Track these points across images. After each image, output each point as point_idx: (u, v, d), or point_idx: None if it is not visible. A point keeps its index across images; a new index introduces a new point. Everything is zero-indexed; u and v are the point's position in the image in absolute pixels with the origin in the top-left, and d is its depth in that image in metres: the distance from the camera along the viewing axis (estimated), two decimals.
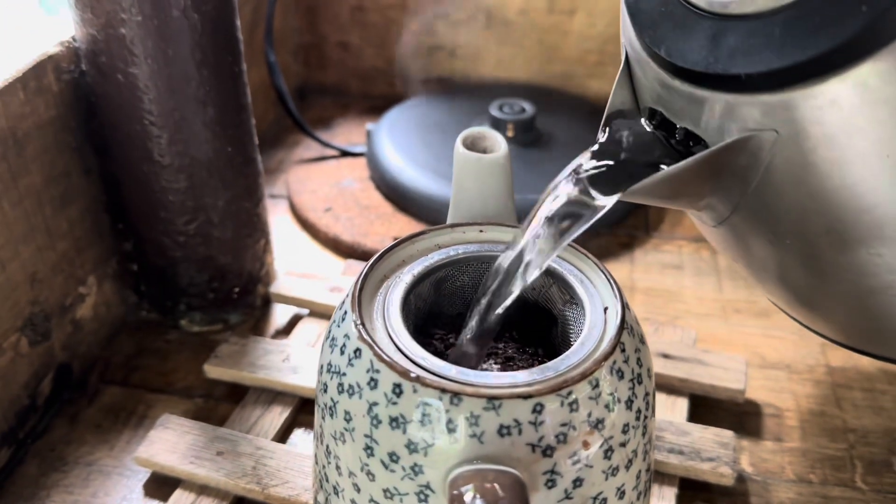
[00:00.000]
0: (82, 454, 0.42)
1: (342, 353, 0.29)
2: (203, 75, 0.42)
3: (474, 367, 0.32)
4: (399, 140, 0.64)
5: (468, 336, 0.32)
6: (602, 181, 0.29)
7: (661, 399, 0.44)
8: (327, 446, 0.30)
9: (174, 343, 0.50)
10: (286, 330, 0.51)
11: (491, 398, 0.26)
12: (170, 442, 0.40)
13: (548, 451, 0.26)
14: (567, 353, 0.28)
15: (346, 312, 0.30)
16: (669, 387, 0.44)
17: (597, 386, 0.27)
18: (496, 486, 0.24)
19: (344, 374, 0.29)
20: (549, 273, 0.33)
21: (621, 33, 0.33)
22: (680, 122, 0.29)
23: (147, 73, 0.41)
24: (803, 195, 0.26)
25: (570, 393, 0.26)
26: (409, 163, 0.61)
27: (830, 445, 0.43)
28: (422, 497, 0.27)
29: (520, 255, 0.30)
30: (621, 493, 0.29)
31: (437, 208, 0.58)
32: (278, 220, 0.62)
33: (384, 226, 0.59)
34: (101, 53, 0.41)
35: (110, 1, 0.39)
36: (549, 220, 0.29)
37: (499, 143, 0.36)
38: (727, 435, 0.41)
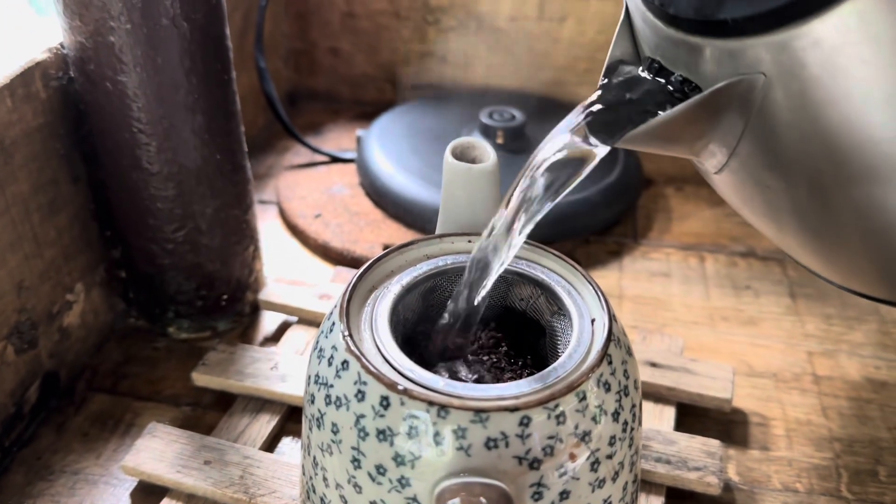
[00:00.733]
0: (69, 462, 0.42)
1: (330, 364, 0.29)
2: (192, 83, 0.42)
3: (460, 357, 0.32)
4: (389, 146, 0.64)
5: (452, 323, 0.32)
6: (601, 128, 0.30)
7: (649, 408, 0.44)
8: (314, 457, 0.30)
9: (162, 351, 0.50)
10: (275, 337, 0.51)
11: (478, 411, 0.26)
12: (157, 450, 0.40)
13: (535, 464, 0.26)
14: (554, 365, 0.28)
15: (334, 323, 0.30)
16: (657, 395, 0.44)
17: (584, 398, 0.27)
18: (483, 499, 0.24)
19: (331, 386, 0.29)
20: (538, 284, 0.33)
21: None
22: (676, 70, 0.29)
23: (136, 81, 0.41)
24: (795, 137, 0.27)
25: (557, 405, 0.27)
26: (399, 169, 0.61)
27: (816, 454, 0.44)
28: None
29: (509, 219, 0.30)
30: None
31: (426, 215, 0.58)
32: (268, 225, 0.62)
33: (374, 232, 0.59)
34: (89, 61, 0.41)
35: (99, 9, 0.39)
36: (546, 170, 0.30)
37: (488, 153, 0.36)
38: (714, 444, 0.41)
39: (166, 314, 0.49)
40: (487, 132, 0.63)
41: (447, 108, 0.70)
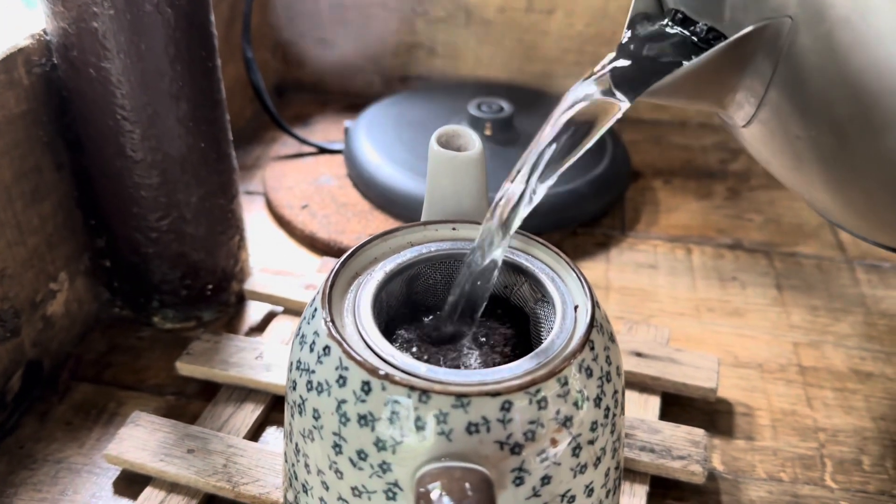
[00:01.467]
0: (51, 452, 0.42)
1: (311, 350, 0.29)
2: (176, 70, 0.42)
3: (457, 343, 0.32)
4: (377, 138, 0.64)
5: (455, 308, 0.32)
6: (625, 81, 0.29)
7: (634, 397, 0.44)
8: (296, 444, 0.30)
9: (147, 340, 0.49)
10: (260, 327, 0.50)
11: (459, 396, 0.26)
12: (140, 439, 0.40)
13: (516, 449, 0.26)
14: (536, 350, 0.28)
15: (316, 309, 0.30)
16: (642, 385, 0.44)
17: (565, 384, 0.27)
18: (463, 483, 0.24)
19: (313, 372, 0.28)
20: (522, 271, 0.33)
21: None
22: (700, 19, 0.29)
23: (120, 68, 0.41)
24: (824, 82, 0.26)
25: (538, 391, 0.26)
26: (387, 160, 0.61)
27: (801, 444, 0.44)
28: (390, 495, 0.27)
29: (525, 174, 0.30)
30: (590, 491, 0.29)
31: (414, 206, 0.57)
32: (254, 216, 0.62)
33: (361, 223, 0.59)
34: (72, 47, 0.41)
35: None
36: (567, 123, 0.29)
37: (473, 141, 0.35)
38: (698, 433, 0.41)
39: (151, 303, 0.49)
40: (476, 124, 0.63)
41: (435, 100, 0.70)
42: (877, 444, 0.44)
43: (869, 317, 0.53)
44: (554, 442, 0.27)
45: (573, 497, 0.28)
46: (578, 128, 0.29)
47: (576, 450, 0.27)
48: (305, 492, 0.30)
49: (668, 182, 0.68)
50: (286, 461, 0.32)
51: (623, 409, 0.31)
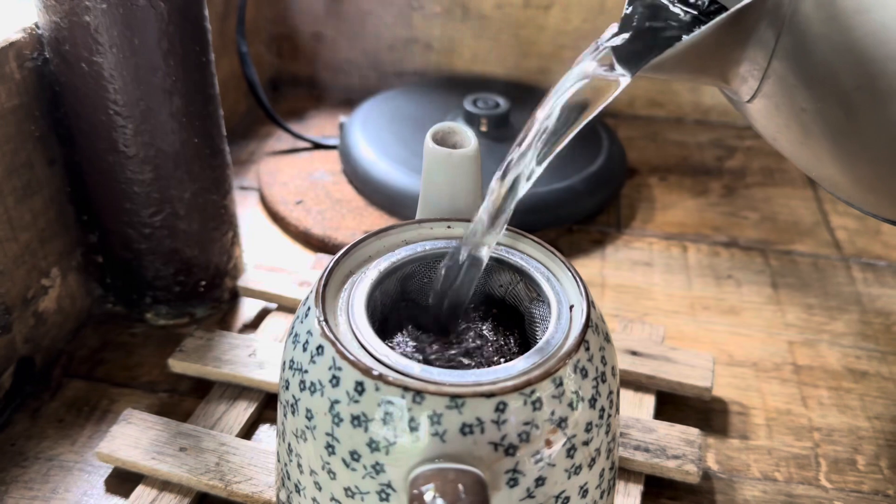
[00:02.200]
0: (43, 449, 0.42)
1: (304, 349, 0.29)
2: (169, 65, 0.42)
3: (448, 341, 0.32)
4: (372, 133, 0.64)
5: (441, 303, 0.31)
6: (626, 56, 0.29)
7: (628, 396, 0.44)
8: (289, 444, 0.30)
9: (139, 337, 0.49)
10: (254, 324, 0.50)
11: (454, 396, 0.26)
12: (132, 437, 0.40)
13: (510, 450, 0.26)
14: (531, 350, 0.28)
15: (309, 308, 0.30)
16: (637, 384, 0.44)
17: (560, 384, 0.27)
18: (457, 485, 0.24)
19: (306, 371, 0.28)
20: (517, 270, 0.33)
21: None
22: None
23: (112, 63, 0.40)
24: (829, 51, 0.26)
25: (533, 391, 0.26)
26: (382, 156, 0.61)
27: (796, 444, 0.44)
28: (383, 496, 0.27)
29: (523, 150, 0.29)
30: (584, 492, 0.28)
31: (409, 202, 0.57)
32: (248, 212, 0.61)
33: (356, 220, 0.59)
34: (64, 41, 0.40)
35: None
36: (568, 101, 0.29)
37: (469, 139, 0.35)
38: (693, 432, 0.41)
39: (144, 300, 0.49)
40: (471, 119, 0.62)
41: (431, 95, 0.70)
42: (871, 443, 0.44)
43: (864, 315, 0.53)
44: (548, 443, 0.27)
45: (567, 498, 0.28)
46: (578, 105, 0.29)
47: (570, 451, 0.27)
48: (298, 492, 0.30)
49: (664, 179, 0.68)
50: (279, 461, 0.32)
51: (618, 409, 0.31)
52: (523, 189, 0.30)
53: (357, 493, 0.27)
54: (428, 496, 0.24)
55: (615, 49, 0.29)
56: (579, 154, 0.63)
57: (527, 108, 0.66)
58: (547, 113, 0.29)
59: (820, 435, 0.44)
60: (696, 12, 0.29)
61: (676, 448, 0.40)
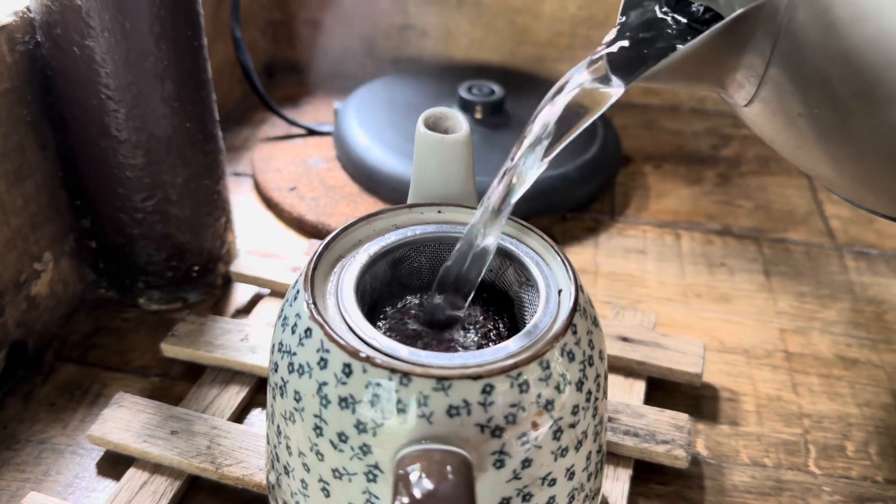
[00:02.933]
0: (35, 432, 0.42)
1: (293, 332, 0.29)
2: (162, 49, 0.41)
3: (451, 325, 0.32)
4: (367, 120, 0.63)
5: (443, 291, 0.32)
6: (621, 65, 0.29)
7: (619, 382, 0.44)
8: (278, 426, 0.30)
9: (132, 322, 0.49)
10: (246, 309, 0.50)
11: (441, 378, 0.26)
12: (124, 420, 0.40)
13: (497, 432, 0.26)
14: (519, 334, 0.28)
15: (298, 291, 0.30)
16: (627, 370, 0.45)
17: (547, 367, 0.27)
18: (443, 465, 0.24)
19: (294, 354, 0.28)
20: (506, 255, 0.33)
21: None
22: (696, 0, 0.29)
23: (104, 47, 0.40)
24: (825, 58, 0.26)
25: (520, 374, 0.26)
26: (377, 143, 0.61)
27: (785, 430, 0.44)
28: (370, 477, 0.27)
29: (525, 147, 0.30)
30: (571, 474, 0.29)
31: (403, 189, 0.57)
32: (242, 198, 0.61)
33: (349, 206, 0.59)
34: (56, 25, 0.40)
35: None
36: (565, 109, 0.29)
37: (461, 124, 0.35)
38: (682, 418, 0.41)
39: (136, 285, 0.49)
40: (466, 106, 0.62)
41: (426, 82, 0.70)
42: (861, 430, 0.44)
43: (856, 304, 0.53)
44: (535, 425, 0.27)
45: (554, 480, 0.28)
46: (571, 113, 0.29)
47: (557, 433, 0.27)
48: (287, 473, 0.30)
49: (659, 167, 0.68)
50: (268, 443, 0.32)
51: (605, 393, 0.31)
52: (522, 190, 0.31)
53: (345, 475, 0.27)
54: (413, 476, 0.24)
55: (610, 58, 0.29)
56: (574, 142, 0.62)
57: (522, 95, 0.66)
58: (542, 119, 0.30)
59: (810, 421, 0.45)
60: (691, 19, 0.29)
61: (666, 433, 0.40)
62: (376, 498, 0.27)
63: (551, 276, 0.31)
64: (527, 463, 0.27)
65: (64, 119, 0.44)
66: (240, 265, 0.50)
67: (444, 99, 0.64)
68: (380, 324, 0.32)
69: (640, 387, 0.44)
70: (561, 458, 0.28)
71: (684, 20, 0.30)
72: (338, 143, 0.64)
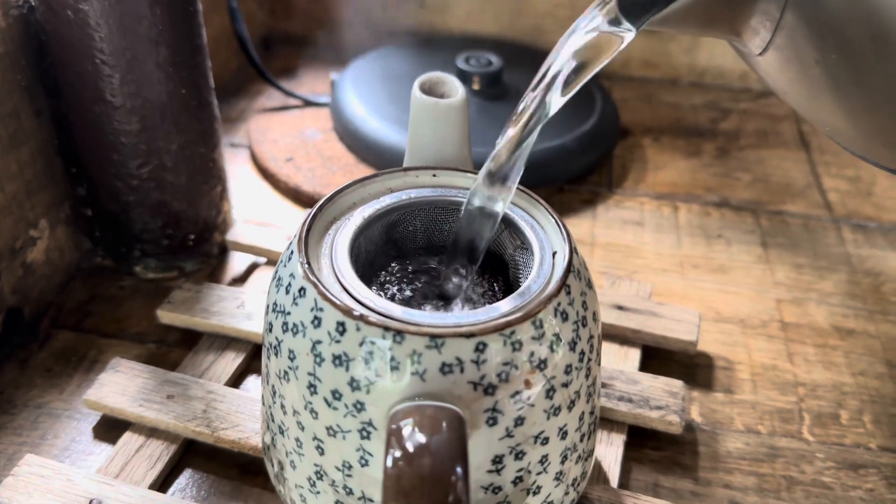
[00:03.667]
0: (31, 397, 0.42)
1: (287, 292, 0.29)
2: (156, 14, 0.41)
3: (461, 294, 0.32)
4: (363, 91, 0.63)
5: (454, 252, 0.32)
6: (632, 8, 0.28)
7: (614, 350, 0.44)
8: (273, 386, 0.30)
9: (128, 290, 0.49)
10: (242, 278, 0.50)
11: (434, 336, 0.26)
12: (120, 385, 0.40)
13: (489, 390, 0.26)
14: (513, 294, 0.28)
15: (292, 252, 0.30)
16: (622, 337, 0.45)
17: (540, 326, 0.27)
18: (436, 420, 0.24)
19: (288, 314, 0.28)
20: (502, 218, 0.33)
21: None
22: None
23: (98, 10, 0.40)
24: (842, 1, 0.26)
25: (513, 332, 0.26)
26: (373, 114, 0.60)
27: (780, 398, 0.44)
28: (364, 434, 0.27)
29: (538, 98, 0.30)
30: (563, 434, 0.29)
31: (399, 160, 0.56)
32: (239, 169, 0.61)
33: (346, 177, 0.59)
34: None
35: None
36: (574, 53, 0.29)
37: (456, 89, 0.35)
38: (677, 384, 0.41)
39: (132, 253, 0.49)
40: (464, 77, 0.62)
41: (423, 53, 0.69)
42: (855, 398, 0.44)
43: (853, 275, 0.53)
44: (528, 384, 0.27)
45: (546, 439, 0.28)
46: (582, 59, 0.29)
47: (549, 392, 0.27)
48: (282, 433, 0.30)
49: (657, 140, 0.68)
50: (263, 404, 0.32)
51: (599, 354, 0.31)
52: (539, 127, 0.30)
53: (339, 432, 0.27)
54: (406, 430, 0.24)
55: (620, 1, 0.29)
56: (572, 113, 0.62)
57: (520, 66, 0.66)
58: (555, 66, 0.29)
59: (805, 390, 0.45)
60: None
61: (660, 399, 0.40)
62: (370, 455, 0.27)
63: (546, 238, 0.31)
64: (519, 421, 0.27)
65: (58, 85, 0.44)
66: (236, 234, 0.50)
67: (442, 70, 0.64)
68: (374, 285, 0.32)
69: (634, 355, 0.44)
70: (553, 416, 0.28)
71: None
72: (334, 114, 0.63)
